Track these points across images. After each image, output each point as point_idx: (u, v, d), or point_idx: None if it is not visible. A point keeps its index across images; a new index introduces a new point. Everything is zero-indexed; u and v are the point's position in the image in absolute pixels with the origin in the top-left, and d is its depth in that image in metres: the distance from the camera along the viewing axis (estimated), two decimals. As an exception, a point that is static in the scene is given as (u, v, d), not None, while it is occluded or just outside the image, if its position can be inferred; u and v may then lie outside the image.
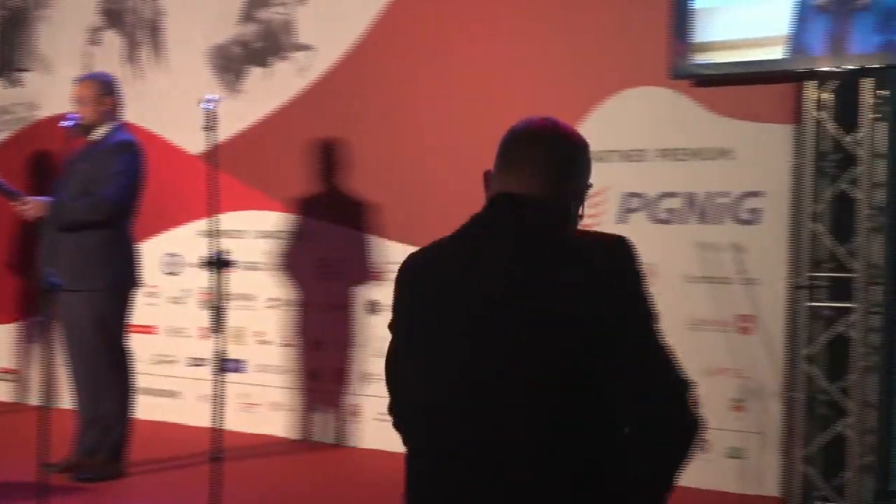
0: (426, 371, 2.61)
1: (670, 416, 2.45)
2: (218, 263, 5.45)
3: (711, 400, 6.33)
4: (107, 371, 6.52)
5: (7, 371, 9.27)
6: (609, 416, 2.47)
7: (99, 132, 6.57)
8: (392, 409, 2.83)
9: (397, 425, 2.81)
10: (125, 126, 6.73)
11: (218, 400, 5.38)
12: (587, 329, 2.45)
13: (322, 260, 7.84)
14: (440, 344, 2.59)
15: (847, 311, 5.85)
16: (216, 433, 5.34)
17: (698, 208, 6.48)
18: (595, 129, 6.79)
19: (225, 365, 5.52)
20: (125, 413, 6.59)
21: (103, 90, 6.60)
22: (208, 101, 5.53)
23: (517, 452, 2.45)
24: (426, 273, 2.71)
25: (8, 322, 9.26)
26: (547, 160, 2.71)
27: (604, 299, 2.46)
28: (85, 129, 6.53)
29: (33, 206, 6.42)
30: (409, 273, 2.76)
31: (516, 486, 2.44)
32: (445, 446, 2.55)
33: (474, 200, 7.40)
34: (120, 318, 6.58)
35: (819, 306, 6.00)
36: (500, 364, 2.47)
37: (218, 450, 5.31)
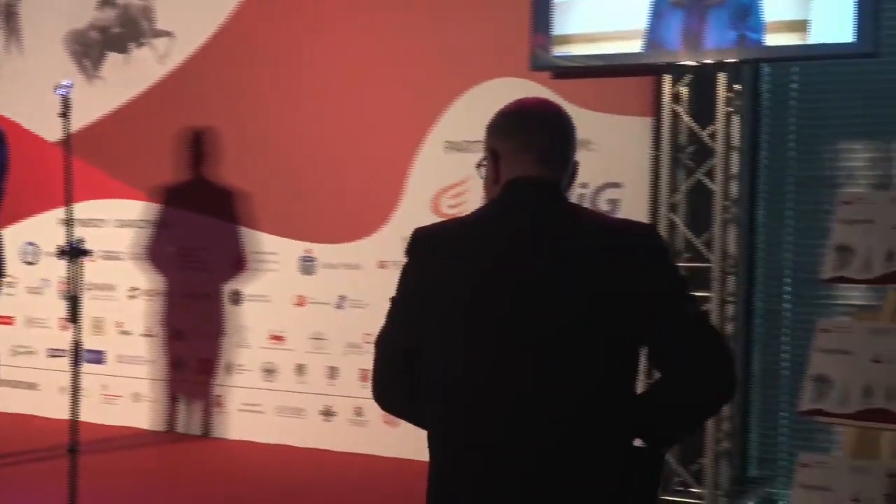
0: (464, 340, 2.65)
1: (718, 373, 2.62)
2: (73, 252, 5.35)
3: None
4: None
5: None
6: (632, 380, 2.64)
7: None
8: (383, 383, 2.87)
9: (383, 397, 2.87)
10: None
11: (75, 391, 5.32)
12: (629, 298, 2.59)
13: (185, 249, 7.79)
14: (481, 314, 2.63)
15: (704, 300, 5.98)
16: (73, 425, 5.28)
17: (558, 198, 6.57)
18: (456, 119, 6.88)
19: (83, 356, 5.45)
20: None
21: None
22: (63, 86, 5.44)
23: (562, 411, 2.56)
24: (456, 248, 2.75)
25: None
26: (561, 146, 2.79)
27: (641, 271, 2.61)
28: None
29: None
30: (430, 248, 2.79)
31: (558, 445, 2.56)
32: (486, 409, 2.61)
33: (338, 187, 7.44)
34: None
35: (676, 295, 6.12)
36: (549, 332, 2.58)
37: (75, 442, 5.25)
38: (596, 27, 6.13)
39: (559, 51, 6.20)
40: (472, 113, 6.81)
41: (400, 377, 2.81)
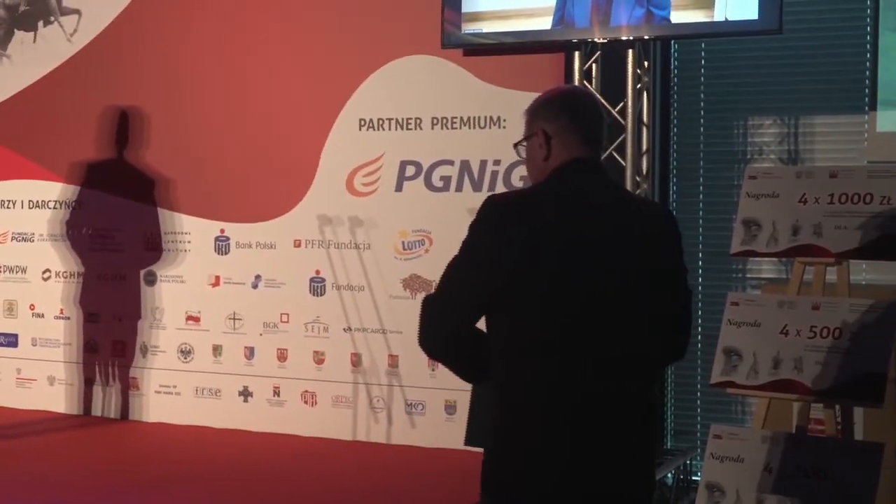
0: (553, 292, 2.99)
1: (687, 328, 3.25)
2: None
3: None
4: None
5: None
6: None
7: None
8: (444, 335, 3.14)
9: (444, 349, 3.17)
10: None
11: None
12: (662, 262, 3.12)
13: (99, 230, 7.71)
14: (573, 282, 3.00)
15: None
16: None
17: (471, 176, 6.61)
18: (369, 97, 6.88)
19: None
20: None
21: None
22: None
23: (630, 358, 3.06)
24: (538, 220, 3.04)
25: None
26: (603, 131, 3.19)
27: (669, 242, 3.16)
28: None
29: None
30: (507, 217, 3.05)
31: (630, 385, 3.07)
32: (576, 348, 3.01)
33: (252, 167, 7.38)
34: None
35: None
36: (619, 287, 3.03)
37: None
38: (506, 4, 6.18)
39: (470, 28, 6.23)
40: (385, 90, 6.83)
41: (467, 332, 3.10)
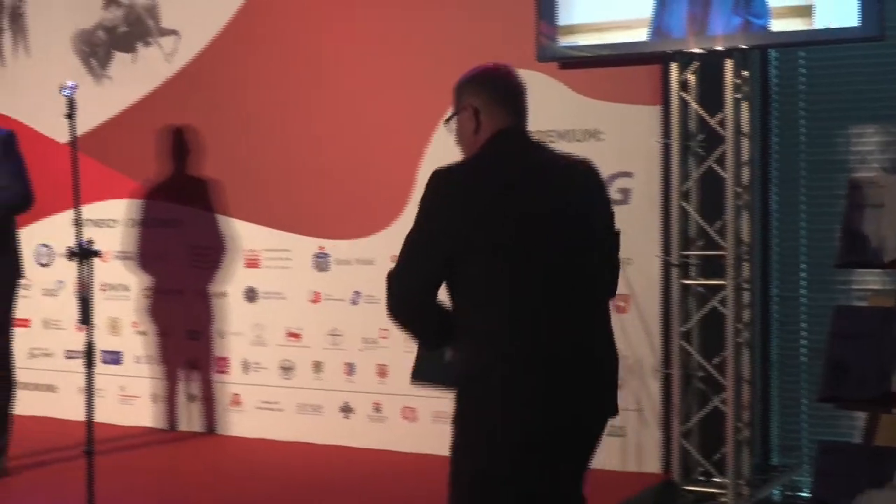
0: (517, 243, 3.28)
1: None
2: (83, 254, 5.36)
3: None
4: None
5: None
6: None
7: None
8: (413, 307, 3.42)
9: (412, 320, 3.45)
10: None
11: (90, 393, 5.33)
12: (602, 209, 3.54)
13: (198, 248, 7.79)
14: (529, 231, 3.29)
15: (719, 287, 5.97)
16: (89, 427, 5.28)
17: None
18: (466, 112, 6.85)
19: (97, 357, 5.45)
20: (8, 411, 6.48)
21: None
22: (68, 87, 5.43)
23: (595, 294, 3.46)
24: (482, 184, 3.34)
25: None
26: (526, 104, 3.55)
27: (604, 191, 3.59)
28: None
29: None
30: (458, 188, 3.35)
31: (598, 326, 3.48)
32: (549, 296, 3.31)
33: (350, 183, 7.42)
34: (9, 312, 6.50)
35: (692, 284, 6.13)
36: (575, 242, 3.37)
37: (91, 444, 5.26)
38: (601, 16, 6.13)
39: (565, 41, 6.19)
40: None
41: (431, 300, 3.36)
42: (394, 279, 3.38)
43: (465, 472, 3.37)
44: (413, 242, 3.35)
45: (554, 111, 6.58)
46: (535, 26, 6.24)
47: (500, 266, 3.26)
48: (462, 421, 3.37)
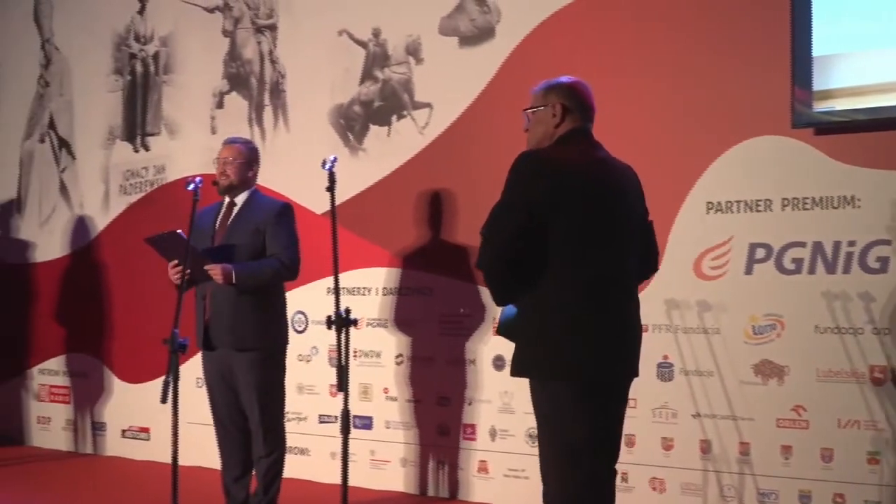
0: (591, 220, 4.31)
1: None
2: (340, 322, 5.50)
3: (846, 453, 6.24)
4: (271, 430, 6.63)
5: (139, 430, 9.46)
6: None
7: (241, 195, 6.67)
8: (489, 257, 4.30)
9: (503, 284, 4.35)
10: (258, 190, 6.80)
11: (345, 458, 5.43)
12: (644, 203, 4.70)
13: (447, 316, 7.88)
14: (598, 211, 4.32)
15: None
16: (343, 491, 5.37)
17: (825, 258, 6.40)
18: (717, 179, 6.78)
19: (352, 423, 5.55)
20: (279, 473, 6.66)
21: (251, 157, 6.71)
22: (329, 162, 5.66)
23: (634, 270, 4.59)
24: (560, 164, 4.36)
25: (140, 381, 9.44)
26: (594, 114, 4.69)
27: (642, 192, 4.70)
28: (227, 189, 6.64)
29: (220, 270, 6.32)
30: (549, 172, 4.33)
31: (634, 289, 4.60)
32: (619, 280, 4.42)
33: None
34: (282, 378, 6.72)
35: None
36: (629, 225, 4.49)
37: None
38: (859, 80, 5.99)
39: (821, 106, 6.07)
40: (734, 172, 6.72)
41: (511, 263, 4.24)
42: (488, 237, 4.28)
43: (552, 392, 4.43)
44: (503, 209, 4.32)
45: (809, 177, 6.44)
46: (790, 92, 6.14)
47: (575, 237, 4.23)
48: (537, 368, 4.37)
